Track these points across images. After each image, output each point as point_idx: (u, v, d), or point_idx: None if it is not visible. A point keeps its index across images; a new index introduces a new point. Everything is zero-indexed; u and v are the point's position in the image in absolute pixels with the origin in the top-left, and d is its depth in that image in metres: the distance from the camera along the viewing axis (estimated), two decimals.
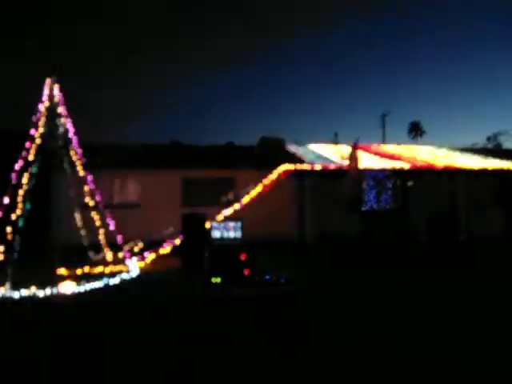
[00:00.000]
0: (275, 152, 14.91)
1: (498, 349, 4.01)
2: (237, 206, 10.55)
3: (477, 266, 8.75)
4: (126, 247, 9.10)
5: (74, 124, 8.59)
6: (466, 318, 5.08)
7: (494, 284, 7.03)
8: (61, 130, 8.23)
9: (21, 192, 7.66)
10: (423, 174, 12.69)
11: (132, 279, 7.49)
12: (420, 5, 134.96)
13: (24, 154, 7.79)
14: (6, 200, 7.55)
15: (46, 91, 8.15)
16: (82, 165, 8.77)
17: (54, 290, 6.37)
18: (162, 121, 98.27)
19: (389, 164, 12.67)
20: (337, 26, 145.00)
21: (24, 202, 7.52)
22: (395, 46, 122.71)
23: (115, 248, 8.80)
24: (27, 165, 7.86)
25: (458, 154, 15.96)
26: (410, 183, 13.19)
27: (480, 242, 11.96)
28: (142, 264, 8.62)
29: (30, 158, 7.79)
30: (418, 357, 3.79)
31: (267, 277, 6.76)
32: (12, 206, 7.57)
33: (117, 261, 8.85)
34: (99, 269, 8.06)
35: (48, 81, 8.23)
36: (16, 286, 6.27)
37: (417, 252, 10.18)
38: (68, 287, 6.51)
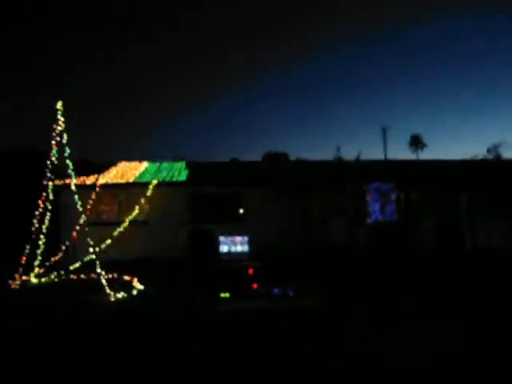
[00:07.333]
0: (280, 166, 15.14)
1: None
2: (244, 221, 10.70)
3: (488, 275, 8.91)
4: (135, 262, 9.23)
5: (85, 144, 8.88)
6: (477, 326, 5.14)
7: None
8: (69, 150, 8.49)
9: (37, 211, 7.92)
10: (426, 186, 12.82)
11: (139, 295, 7.56)
12: (419, 21, 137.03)
13: (40, 173, 8.08)
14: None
15: (59, 114, 8.44)
16: (92, 183, 9.01)
17: None
18: (165, 137, 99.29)
19: (392, 176, 12.82)
20: (338, 43, 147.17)
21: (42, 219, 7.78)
22: (396, 61, 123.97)
23: (122, 263, 8.94)
24: (43, 184, 8.14)
25: (459, 165, 16.12)
26: (413, 195, 13.31)
27: (484, 251, 12.01)
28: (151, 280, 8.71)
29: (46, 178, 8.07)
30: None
31: (276, 290, 6.81)
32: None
33: (125, 275, 8.98)
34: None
35: (60, 103, 8.53)
36: None
37: (424, 261, 10.25)
38: None
